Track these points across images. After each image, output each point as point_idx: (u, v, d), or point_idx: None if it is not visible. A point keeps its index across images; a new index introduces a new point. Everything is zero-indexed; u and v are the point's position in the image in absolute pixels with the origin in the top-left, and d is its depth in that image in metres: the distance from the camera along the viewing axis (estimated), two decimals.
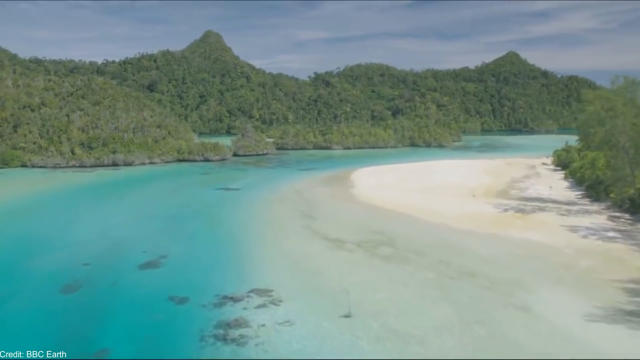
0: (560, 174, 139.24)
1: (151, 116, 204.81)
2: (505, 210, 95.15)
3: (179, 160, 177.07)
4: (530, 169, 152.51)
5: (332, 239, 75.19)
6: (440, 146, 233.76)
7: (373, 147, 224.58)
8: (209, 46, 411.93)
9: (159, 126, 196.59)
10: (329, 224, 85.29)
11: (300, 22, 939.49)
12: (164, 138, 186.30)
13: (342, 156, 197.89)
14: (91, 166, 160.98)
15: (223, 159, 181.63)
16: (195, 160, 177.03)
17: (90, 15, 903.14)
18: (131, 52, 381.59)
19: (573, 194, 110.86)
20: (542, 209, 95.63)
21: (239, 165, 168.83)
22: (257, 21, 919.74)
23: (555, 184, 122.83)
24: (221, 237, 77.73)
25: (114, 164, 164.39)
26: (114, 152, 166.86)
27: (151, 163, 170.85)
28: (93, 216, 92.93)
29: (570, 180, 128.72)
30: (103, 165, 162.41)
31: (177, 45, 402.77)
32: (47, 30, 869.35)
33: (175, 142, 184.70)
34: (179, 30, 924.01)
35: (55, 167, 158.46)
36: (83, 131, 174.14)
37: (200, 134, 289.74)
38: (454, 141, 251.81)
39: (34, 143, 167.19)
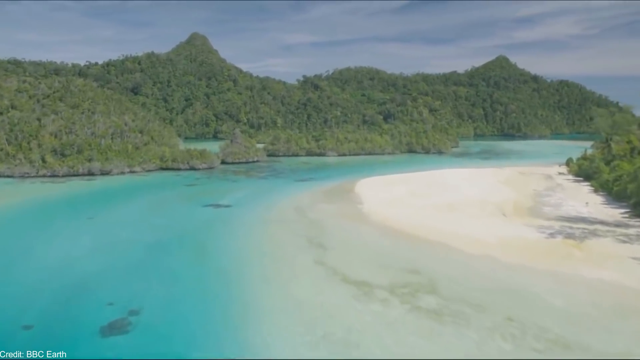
0: (586, 186, 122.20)
1: (133, 120, 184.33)
2: (552, 235, 77.34)
3: (162, 169, 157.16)
4: (548, 179, 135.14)
5: (355, 282, 56.66)
6: (439, 152, 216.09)
7: (369, 154, 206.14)
8: (195, 48, 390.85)
9: (141, 131, 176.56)
10: (345, 256, 66.73)
11: (287, 25, 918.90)
12: (145, 144, 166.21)
13: (339, 164, 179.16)
14: (64, 176, 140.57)
15: (210, 168, 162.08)
16: (179, 169, 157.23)
17: (76, 17, 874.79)
18: (116, 55, 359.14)
19: (617, 212, 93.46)
20: (593, 234, 78.09)
21: (228, 175, 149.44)
22: (245, 24, 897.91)
23: (589, 199, 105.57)
24: (211, 278, 58.72)
25: (90, 173, 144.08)
26: (89, 160, 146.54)
27: (131, 172, 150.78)
28: (53, 244, 73.18)
29: (602, 193, 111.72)
30: (77, 175, 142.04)
31: (164, 48, 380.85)
32: (31, 33, 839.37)
33: (158, 149, 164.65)
34: (165, 34, 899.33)
35: (24, 176, 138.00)
36: (56, 137, 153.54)
37: (186, 138, 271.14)
38: (452, 147, 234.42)
39: (1, 150, 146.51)
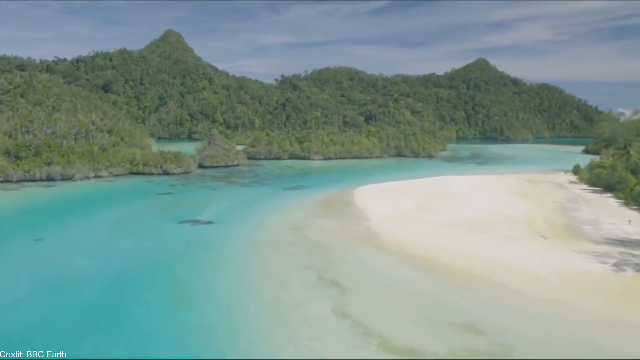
0: (609, 198, 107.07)
1: (101, 119, 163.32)
2: (617, 266, 60.88)
3: (132, 173, 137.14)
4: (561, 189, 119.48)
5: (400, 350, 39.05)
6: (429, 156, 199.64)
7: (356, 158, 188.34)
8: (169, 46, 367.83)
9: (109, 131, 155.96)
10: (372, 303, 48.85)
11: (262, 26, 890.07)
12: (113, 146, 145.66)
13: (326, 169, 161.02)
14: (18, 181, 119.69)
15: (186, 172, 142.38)
16: (152, 174, 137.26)
17: (48, 14, 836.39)
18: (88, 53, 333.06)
19: None
20: None
21: (206, 181, 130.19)
22: (219, 25, 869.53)
23: (625, 215, 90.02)
24: (194, 346, 40.12)
25: (49, 179, 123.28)
26: (48, 164, 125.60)
27: (97, 177, 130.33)
28: None
29: (634, 207, 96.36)
30: (34, 180, 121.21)
31: (137, 47, 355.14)
32: (1, 30, 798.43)
33: (128, 151, 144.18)
34: (139, 33, 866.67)
35: None
36: (10, 136, 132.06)
37: (159, 138, 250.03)
38: (441, 150, 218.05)
39: None
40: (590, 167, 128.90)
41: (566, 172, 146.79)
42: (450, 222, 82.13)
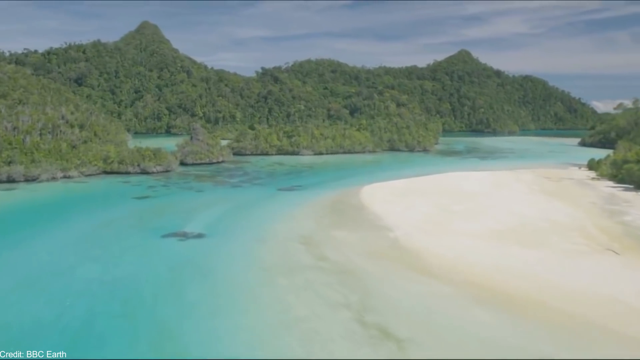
0: None
1: (72, 113, 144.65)
2: None
3: (106, 173, 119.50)
4: (587, 186, 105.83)
5: None
6: (425, 150, 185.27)
7: (349, 152, 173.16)
8: (145, 38, 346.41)
9: (81, 126, 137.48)
10: None
11: (239, 19, 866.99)
12: (85, 142, 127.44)
13: (320, 165, 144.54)
14: None
15: (167, 171, 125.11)
16: (128, 173, 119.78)
17: (19, 6, 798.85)
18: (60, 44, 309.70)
19: None
20: None
21: (190, 181, 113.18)
22: (194, 18, 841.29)
23: None
24: None
25: (10, 180, 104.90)
26: (9, 163, 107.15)
27: (66, 177, 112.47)
28: None
29: None
30: None
31: (111, 40, 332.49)
32: None
33: (101, 148, 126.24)
34: (113, 26, 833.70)
35: None
36: None
37: (136, 133, 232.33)
38: (435, 144, 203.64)
39: None
40: (615, 162, 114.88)
41: (580, 166, 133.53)
42: (491, 232, 66.85)
